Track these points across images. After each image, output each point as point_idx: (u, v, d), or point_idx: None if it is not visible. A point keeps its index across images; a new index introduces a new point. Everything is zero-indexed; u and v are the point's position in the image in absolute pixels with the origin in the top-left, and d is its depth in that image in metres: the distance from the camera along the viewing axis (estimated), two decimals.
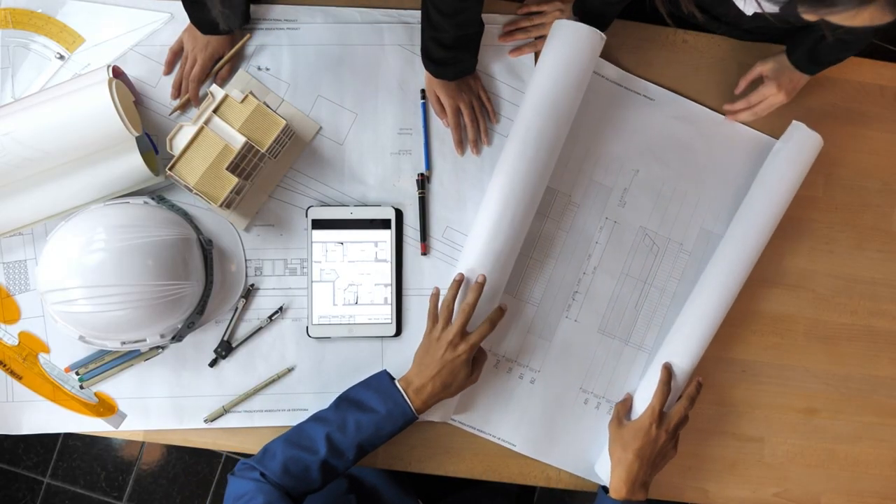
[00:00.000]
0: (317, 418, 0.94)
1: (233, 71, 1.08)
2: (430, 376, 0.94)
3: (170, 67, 1.08)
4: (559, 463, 1.05)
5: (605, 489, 1.00)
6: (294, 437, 0.92)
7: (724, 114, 1.10)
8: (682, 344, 1.02)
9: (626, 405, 1.03)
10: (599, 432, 1.06)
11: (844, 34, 0.92)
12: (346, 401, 0.95)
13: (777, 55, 1.06)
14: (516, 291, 1.06)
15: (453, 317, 0.97)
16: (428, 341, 0.97)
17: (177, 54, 1.07)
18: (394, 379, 0.96)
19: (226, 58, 1.06)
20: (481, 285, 0.96)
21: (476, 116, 1.07)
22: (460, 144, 1.08)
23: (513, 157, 1.00)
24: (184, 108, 1.07)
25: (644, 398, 1.00)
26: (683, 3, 0.80)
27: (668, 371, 1.00)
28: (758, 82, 1.08)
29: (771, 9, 0.70)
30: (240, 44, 1.06)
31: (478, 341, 0.95)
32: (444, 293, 0.99)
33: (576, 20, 1.02)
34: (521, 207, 1.00)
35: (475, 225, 1.02)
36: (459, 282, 0.98)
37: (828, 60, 1.03)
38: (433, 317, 0.98)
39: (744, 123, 1.10)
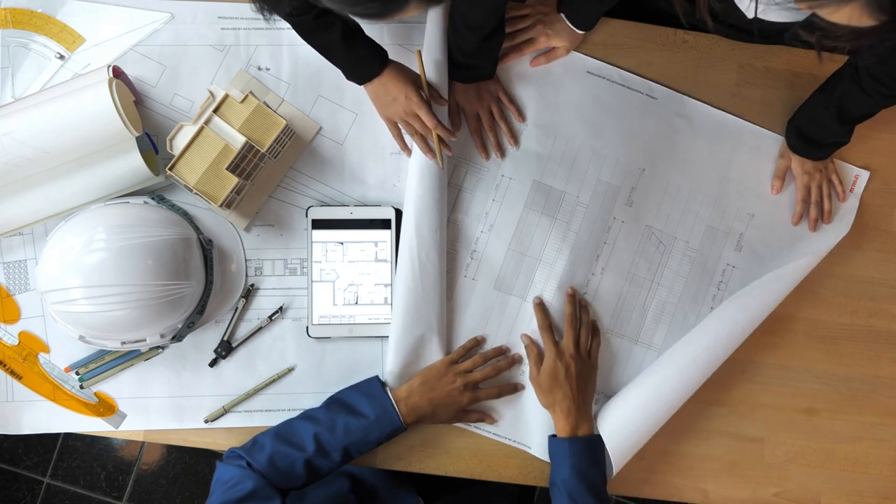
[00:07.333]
0: (307, 416, 0.96)
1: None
2: (430, 397, 0.98)
3: (404, 143, 1.05)
4: None
5: (552, 436, 1.01)
6: (284, 432, 0.95)
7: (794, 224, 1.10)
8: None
9: (533, 354, 1.03)
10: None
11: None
12: (337, 402, 0.97)
13: (786, 151, 1.09)
14: (527, 295, 1.06)
15: (480, 367, 1.03)
16: (446, 369, 1.01)
17: (399, 136, 1.05)
18: (385, 385, 0.99)
19: (423, 78, 1.01)
20: (514, 360, 1.05)
21: (494, 121, 1.07)
22: (483, 149, 1.07)
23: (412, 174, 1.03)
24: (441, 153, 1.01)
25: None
26: (698, 7, 0.80)
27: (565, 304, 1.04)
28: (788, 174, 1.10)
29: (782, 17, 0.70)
30: (419, 56, 1.02)
31: (483, 399, 1.02)
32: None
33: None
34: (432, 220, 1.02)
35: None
36: (502, 350, 1.05)
37: (814, 135, 1.05)
38: (461, 352, 1.04)
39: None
